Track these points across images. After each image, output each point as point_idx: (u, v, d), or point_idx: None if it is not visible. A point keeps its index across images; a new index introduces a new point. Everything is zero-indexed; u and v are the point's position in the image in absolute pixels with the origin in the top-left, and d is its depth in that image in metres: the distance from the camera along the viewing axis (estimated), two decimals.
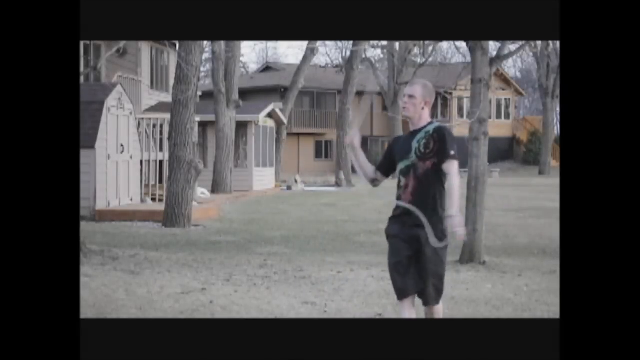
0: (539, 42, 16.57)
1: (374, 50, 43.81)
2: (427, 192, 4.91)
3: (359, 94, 35.97)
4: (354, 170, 34.20)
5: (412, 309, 4.98)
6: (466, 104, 41.51)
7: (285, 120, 30.14)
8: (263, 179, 27.50)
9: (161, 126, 19.86)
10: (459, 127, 36.85)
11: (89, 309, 6.58)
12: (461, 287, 8.33)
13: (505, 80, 48.42)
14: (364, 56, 34.87)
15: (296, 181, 29.88)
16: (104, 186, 16.51)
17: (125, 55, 22.46)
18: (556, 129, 46.77)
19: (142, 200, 18.64)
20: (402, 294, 4.95)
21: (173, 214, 15.09)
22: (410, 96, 5.02)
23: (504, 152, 47.23)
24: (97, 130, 16.12)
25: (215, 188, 23.92)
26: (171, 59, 25.35)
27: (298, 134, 44.56)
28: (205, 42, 21.54)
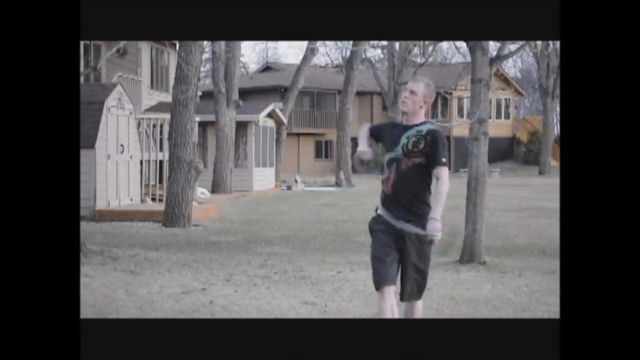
0: (539, 42, 16.58)
1: (374, 50, 43.85)
2: (405, 188, 4.91)
3: (359, 94, 35.95)
4: (354, 170, 34.28)
5: (393, 302, 4.87)
6: (466, 104, 41.50)
7: (285, 120, 30.14)
8: (263, 179, 27.49)
9: (161, 126, 19.86)
10: (459, 127, 36.87)
11: (89, 309, 6.58)
12: (461, 287, 8.33)
13: (505, 80, 48.41)
14: (364, 56, 34.85)
15: (296, 181, 29.88)
16: (104, 186, 16.51)
17: (125, 55, 22.46)
18: (556, 129, 46.77)
19: (142, 200, 18.64)
20: (382, 282, 4.86)
21: (173, 214, 15.09)
22: (412, 92, 5.02)
23: (504, 152, 47.22)
24: (97, 130, 16.12)
25: (215, 188, 23.92)
26: (171, 59, 25.35)
27: (298, 134, 44.56)
28: (205, 42, 21.53)
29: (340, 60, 38.51)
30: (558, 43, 24.44)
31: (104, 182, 16.47)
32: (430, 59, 38.20)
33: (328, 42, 39.47)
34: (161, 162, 19.70)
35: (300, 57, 32.52)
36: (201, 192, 21.07)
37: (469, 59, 10.78)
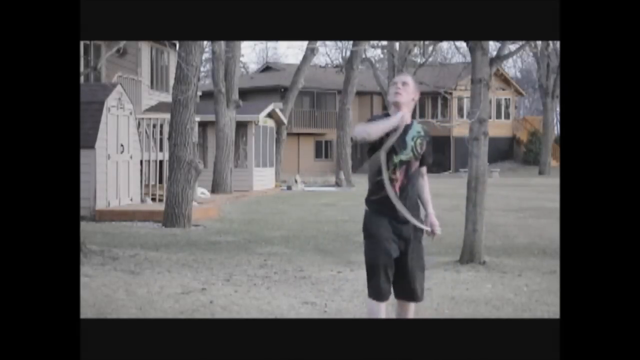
0: (539, 42, 16.57)
1: (374, 50, 43.81)
2: (411, 191, 4.96)
3: (359, 94, 35.96)
4: (354, 170, 34.25)
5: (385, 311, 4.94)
6: (466, 104, 41.49)
7: (285, 120, 30.14)
8: (263, 179, 27.50)
9: (161, 126, 19.86)
10: (459, 127, 36.84)
11: (89, 309, 6.58)
12: (461, 287, 8.33)
13: (505, 80, 48.42)
14: (364, 56, 34.82)
15: (296, 181, 29.87)
16: (104, 186, 16.51)
17: (125, 55, 22.46)
18: (556, 129, 46.78)
19: (142, 200, 18.64)
20: (385, 297, 4.89)
21: (173, 214, 15.09)
22: (405, 83, 4.98)
23: (504, 152, 47.23)
24: (97, 130, 16.12)
25: (215, 188, 23.92)
26: (171, 59, 25.36)
27: (298, 134, 44.57)
28: (205, 42, 21.53)
29: (340, 60, 38.50)
30: (558, 43, 24.44)
31: (104, 182, 16.47)
32: (430, 59, 38.19)
33: (328, 42, 39.50)
34: (161, 162, 19.70)
35: (300, 57, 32.54)
36: (201, 192, 21.07)
37: (469, 59, 10.78)
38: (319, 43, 32.39)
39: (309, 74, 34.38)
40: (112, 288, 7.67)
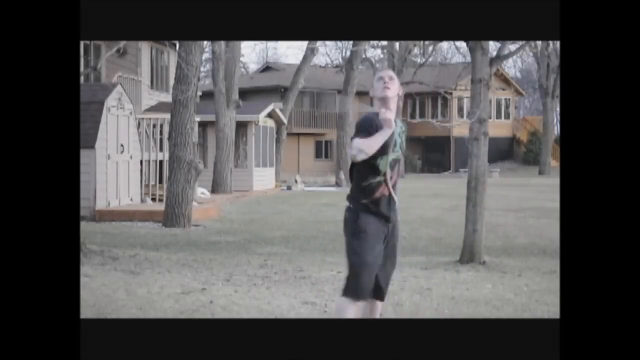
0: (539, 42, 16.57)
1: (374, 50, 43.86)
2: (396, 187, 4.90)
3: (359, 94, 35.97)
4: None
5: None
6: (466, 104, 41.50)
7: (285, 120, 30.14)
8: (263, 179, 27.50)
9: (161, 126, 19.87)
10: (459, 127, 36.86)
11: (89, 309, 6.58)
12: (461, 287, 8.33)
13: (505, 80, 48.43)
14: (364, 56, 34.86)
15: (296, 181, 29.88)
16: (104, 186, 16.51)
17: (125, 55, 22.46)
18: (556, 129, 46.79)
19: (142, 200, 18.64)
20: (364, 297, 4.82)
21: (173, 214, 15.09)
22: (391, 77, 4.92)
23: (504, 152, 47.25)
24: (97, 130, 16.12)
25: (215, 188, 23.92)
26: (171, 59, 25.36)
27: (298, 134, 44.56)
28: (205, 42, 21.54)
29: (340, 60, 38.54)
30: (558, 43, 24.43)
31: (104, 182, 16.47)
32: (430, 59, 38.22)
33: (328, 42, 39.54)
34: (161, 162, 19.70)
35: (300, 57, 32.55)
36: (201, 192, 21.08)
37: (469, 59, 10.78)
38: (319, 43, 32.41)
39: (309, 74, 34.38)
40: (112, 288, 7.67)
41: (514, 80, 52.28)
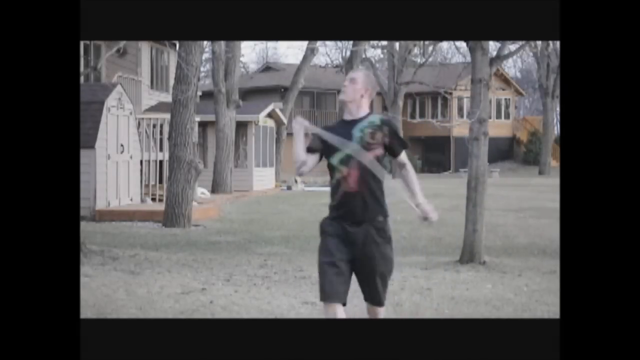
0: (539, 42, 16.58)
1: (374, 50, 43.81)
2: (370, 181, 4.73)
3: None
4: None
5: (342, 314, 4.75)
6: (466, 104, 41.50)
7: (285, 120, 30.14)
8: (263, 179, 27.50)
9: (161, 126, 19.87)
10: (459, 127, 36.87)
11: (89, 309, 6.58)
12: (461, 287, 8.33)
13: (505, 80, 48.42)
14: (364, 56, 34.84)
15: (296, 181, 29.87)
16: (104, 186, 16.51)
17: (125, 55, 22.46)
18: (556, 129, 46.78)
19: (142, 200, 18.64)
20: (329, 297, 4.70)
21: (173, 214, 15.09)
22: (352, 79, 4.83)
23: (504, 152, 47.23)
24: (97, 130, 16.12)
25: (215, 188, 23.92)
26: (171, 59, 25.36)
27: None
28: (205, 42, 21.53)
29: (340, 60, 38.52)
30: (558, 43, 24.44)
31: (104, 182, 16.47)
32: (430, 59, 38.19)
33: (328, 42, 39.50)
34: (161, 162, 19.70)
35: (300, 57, 32.54)
36: (201, 192, 21.07)
37: (469, 59, 10.78)
38: (319, 43, 32.39)
39: (309, 74, 34.37)
40: (112, 288, 7.67)
41: (514, 80, 52.27)
